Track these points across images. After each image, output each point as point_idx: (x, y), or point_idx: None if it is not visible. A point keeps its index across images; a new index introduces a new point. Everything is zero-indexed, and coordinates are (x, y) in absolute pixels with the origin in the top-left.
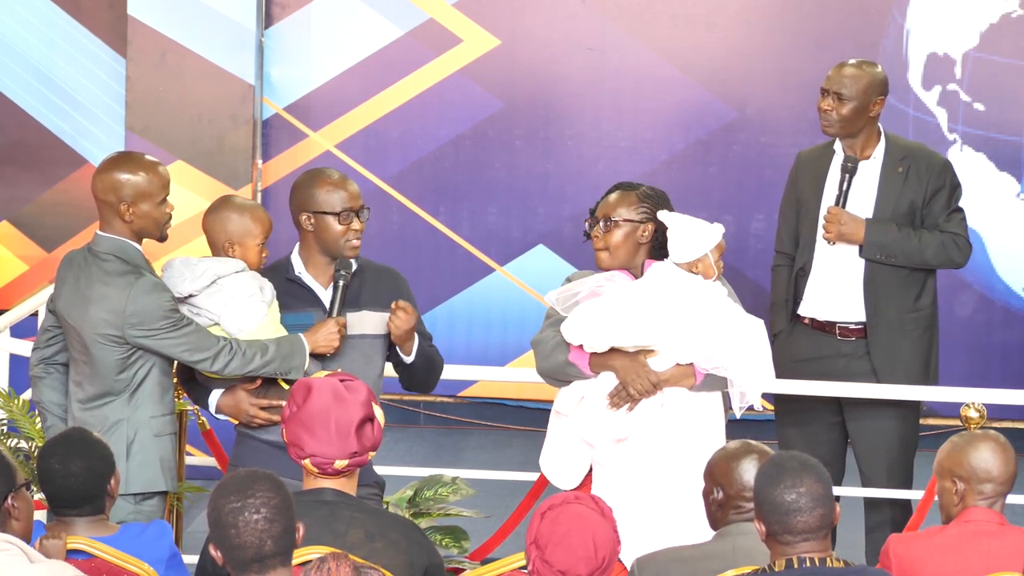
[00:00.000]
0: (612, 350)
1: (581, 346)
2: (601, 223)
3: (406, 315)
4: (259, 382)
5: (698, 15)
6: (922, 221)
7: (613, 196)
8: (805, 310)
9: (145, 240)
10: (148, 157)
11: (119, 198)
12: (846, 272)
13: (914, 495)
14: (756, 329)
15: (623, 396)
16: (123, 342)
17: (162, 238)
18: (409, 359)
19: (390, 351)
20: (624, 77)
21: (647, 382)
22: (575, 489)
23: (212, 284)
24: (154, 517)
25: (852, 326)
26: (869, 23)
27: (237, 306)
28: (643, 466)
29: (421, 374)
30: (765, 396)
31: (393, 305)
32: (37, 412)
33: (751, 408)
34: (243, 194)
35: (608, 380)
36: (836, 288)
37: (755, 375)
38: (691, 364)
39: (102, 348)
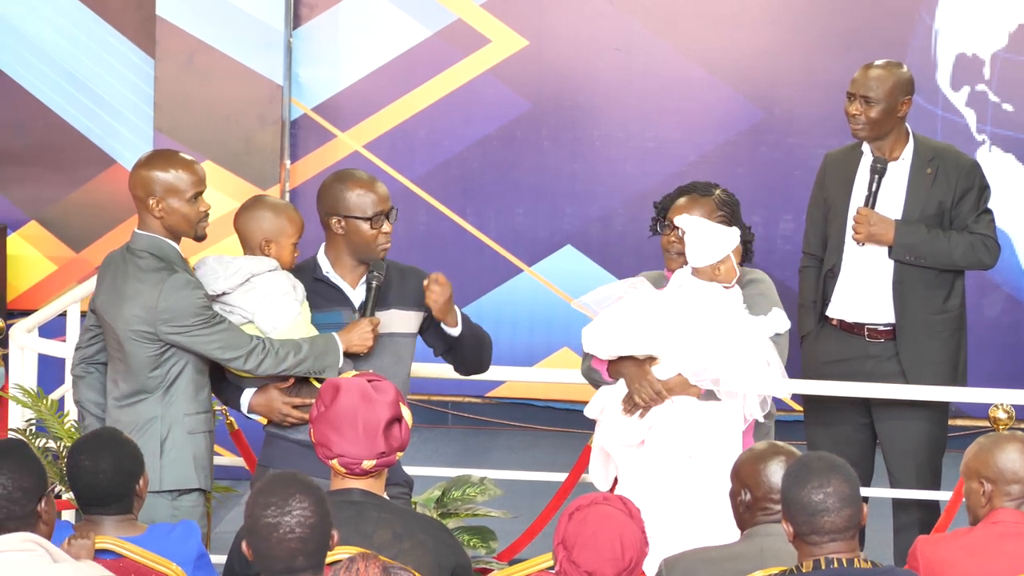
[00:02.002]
0: (623, 357)
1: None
2: (679, 229)
3: (440, 287)
4: (291, 381)
5: (725, 15)
6: (951, 222)
7: (688, 201)
8: (833, 311)
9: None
10: (183, 155)
11: (148, 193)
12: (875, 273)
13: (942, 496)
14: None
15: (631, 403)
16: (156, 339)
17: (198, 237)
18: (456, 331)
19: (435, 338)
20: (651, 78)
21: (651, 390)
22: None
23: (246, 282)
24: (193, 514)
25: (881, 327)
26: (897, 23)
27: (271, 304)
28: (658, 471)
29: (473, 348)
30: (793, 397)
31: (425, 281)
32: (77, 412)
33: (768, 416)
34: (271, 194)
35: (625, 387)
36: (865, 289)
37: (751, 389)
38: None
39: (135, 345)
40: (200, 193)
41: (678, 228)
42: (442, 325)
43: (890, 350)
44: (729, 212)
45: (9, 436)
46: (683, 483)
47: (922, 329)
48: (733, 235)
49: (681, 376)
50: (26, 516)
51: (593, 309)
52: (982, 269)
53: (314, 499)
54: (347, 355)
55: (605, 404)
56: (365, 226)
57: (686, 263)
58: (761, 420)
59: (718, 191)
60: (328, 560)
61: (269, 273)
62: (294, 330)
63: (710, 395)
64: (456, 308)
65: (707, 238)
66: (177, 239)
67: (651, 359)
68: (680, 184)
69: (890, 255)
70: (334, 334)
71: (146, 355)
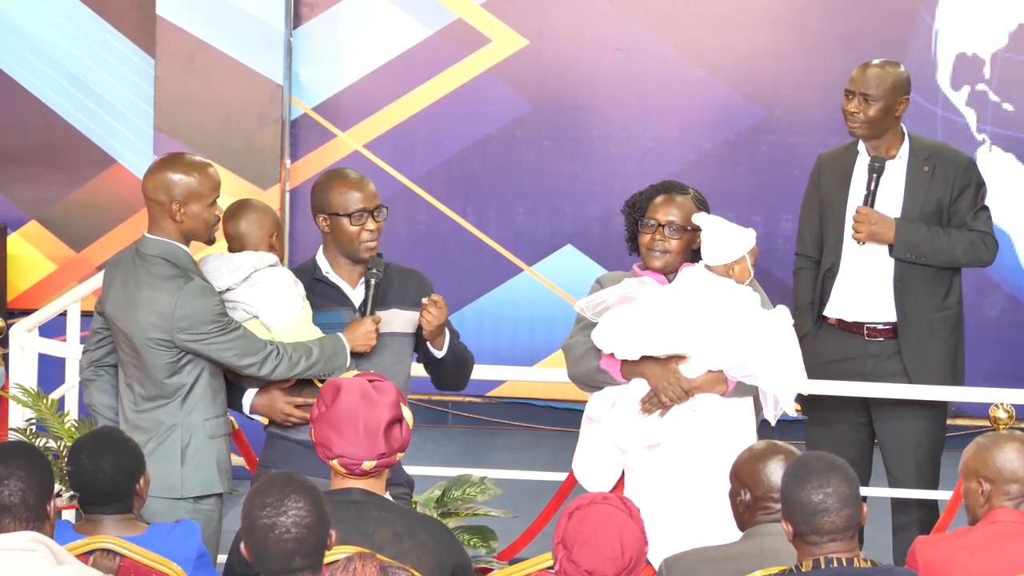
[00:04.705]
0: (643, 356)
1: (612, 353)
2: (666, 228)
3: (438, 310)
4: (293, 381)
5: (725, 15)
6: (948, 220)
7: (674, 200)
8: (832, 311)
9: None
10: (199, 158)
11: (170, 198)
12: (875, 272)
13: (941, 495)
14: (786, 331)
15: (654, 403)
16: (172, 346)
17: (210, 240)
18: (440, 353)
19: (419, 348)
20: (651, 77)
21: (679, 389)
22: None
23: (249, 277)
24: (212, 517)
25: (880, 326)
26: (897, 23)
27: (276, 298)
28: (675, 472)
29: (451, 370)
30: (795, 397)
31: (425, 300)
32: (89, 415)
33: (784, 413)
34: (272, 194)
35: (640, 386)
36: (865, 288)
37: (786, 382)
38: (722, 370)
39: (152, 352)
40: (217, 198)
41: (663, 227)
42: (428, 345)
43: (890, 349)
44: (704, 211)
45: (10, 438)
46: (701, 483)
47: (923, 328)
48: (749, 236)
49: (709, 374)
50: (38, 518)
51: (590, 316)
52: (981, 266)
53: (310, 499)
54: (351, 354)
55: (616, 404)
56: (346, 223)
57: (669, 262)
58: (792, 415)
59: (692, 190)
60: (327, 560)
61: (270, 268)
62: (298, 324)
63: (731, 393)
64: (447, 331)
65: (724, 238)
66: (188, 243)
67: (676, 358)
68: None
69: (891, 253)
70: (339, 335)
71: (163, 362)
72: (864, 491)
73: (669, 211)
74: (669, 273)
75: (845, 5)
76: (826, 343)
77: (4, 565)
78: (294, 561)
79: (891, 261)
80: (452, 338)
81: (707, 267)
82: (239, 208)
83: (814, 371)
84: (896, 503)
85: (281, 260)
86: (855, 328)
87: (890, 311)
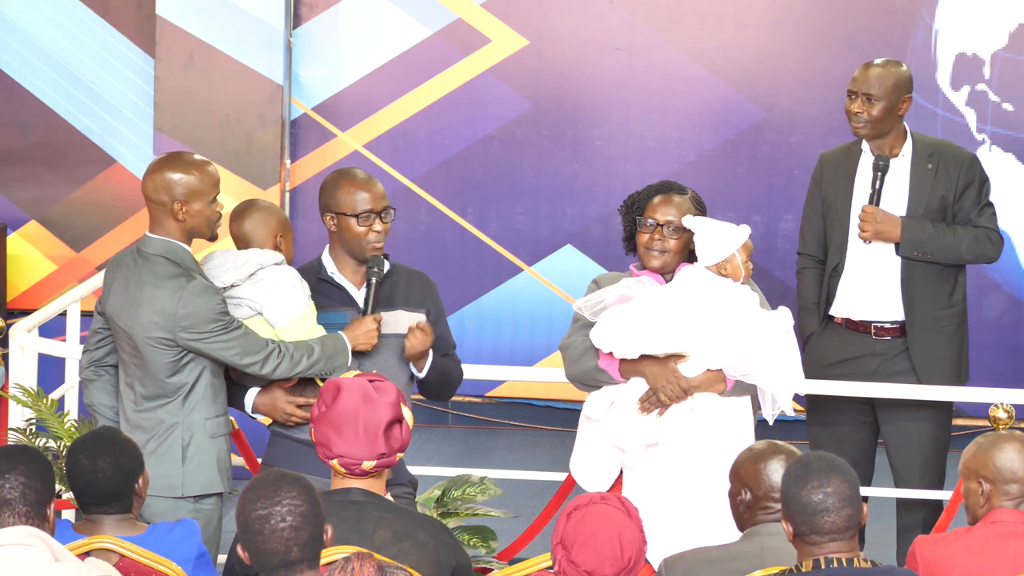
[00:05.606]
0: (642, 355)
1: (611, 352)
2: (664, 228)
3: (423, 336)
4: (295, 380)
5: (726, 15)
6: (953, 217)
7: (672, 200)
8: (838, 310)
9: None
10: (197, 156)
11: (172, 197)
12: (882, 271)
13: (945, 495)
14: (785, 332)
15: (653, 401)
16: (174, 345)
17: (213, 237)
18: (421, 375)
19: None
20: (652, 77)
21: (678, 388)
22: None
23: (254, 274)
24: (212, 517)
25: (888, 325)
26: (898, 23)
27: (280, 294)
28: (674, 470)
29: (435, 387)
30: (796, 398)
31: (411, 326)
32: (89, 415)
33: (783, 413)
34: (272, 194)
35: (638, 385)
36: (872, 287)
37: (784, 382)
38: (721, 369)
39: (153, 351)
40: (217, 194)
41: (661, 226)
42: (410, 364)
43: (897, 347)
44: (702, 212)
45: (10, 438)
46: (699, 482)
47: (930, 325)
48: (738, 233)
49: (708, 373)
50: (37, 516)
51: (588, 316)
52: (987, 262)
53: (302, 489)
54: (353, 353)
55: (615, 403)
56: (353, 223)
57: (667, 262)
58: (790, 415)
59: (689, 191)
60: (325, 560)
61: (276, 266)
62: (302, 322)
63: (729, 392)
64: (430, 355)
65: (714, 236)
66: (190, 242)
67: (675, 356)
68: (682, 184)
69: (898, 252)
70: (341, 333)
71: (164, 361)
72: (867, 491)
73: (667, 211)
74: (667, 273)
75: (845, 5)
76: (832, 342)
77: (1, 560)
78: (292, 552)
79: (897, 259)
80: (439, 357)
81: (704, 267)
82: (245, 208)
83: (820, 371)
84: (901, 503)
85: (289, 261)
86: (862, 327)
87: (897, 309)
